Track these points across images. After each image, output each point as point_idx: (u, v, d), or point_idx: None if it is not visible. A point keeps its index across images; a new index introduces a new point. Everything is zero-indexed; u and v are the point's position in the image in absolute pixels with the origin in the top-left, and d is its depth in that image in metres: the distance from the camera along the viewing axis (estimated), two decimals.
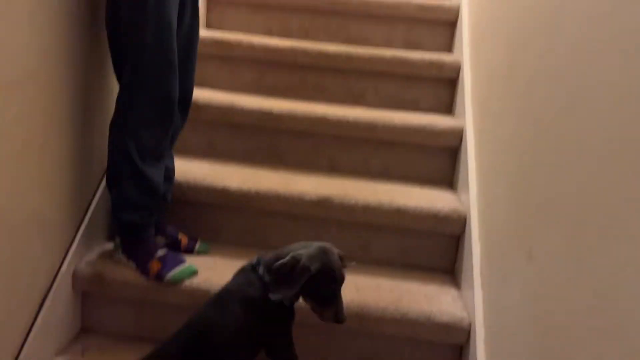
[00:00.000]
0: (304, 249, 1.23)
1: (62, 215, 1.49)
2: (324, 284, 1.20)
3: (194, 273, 1.53)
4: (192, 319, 1.25)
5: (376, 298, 1.50)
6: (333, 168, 1.97)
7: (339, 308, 1.23)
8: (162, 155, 1.57)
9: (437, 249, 1.73)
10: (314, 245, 1.24)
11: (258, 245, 1.76)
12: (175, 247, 1.66)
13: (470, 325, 1.44)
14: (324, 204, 1.69)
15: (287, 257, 1.21)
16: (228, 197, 1.71)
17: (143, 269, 1.52)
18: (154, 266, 1.52)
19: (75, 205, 1.56)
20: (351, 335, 1.52)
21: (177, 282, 1.50)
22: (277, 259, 1.22)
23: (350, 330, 1.50)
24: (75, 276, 1.52)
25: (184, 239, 1.70)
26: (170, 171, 1.67)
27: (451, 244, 1.72)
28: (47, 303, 1.42)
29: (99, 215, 1.65)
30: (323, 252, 1.22)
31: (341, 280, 1.24)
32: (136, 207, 1.52)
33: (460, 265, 1.66)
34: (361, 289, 1.54)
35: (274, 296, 1.19)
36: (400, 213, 1.67)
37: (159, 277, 1.50)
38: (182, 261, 1.57)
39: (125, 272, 1.52)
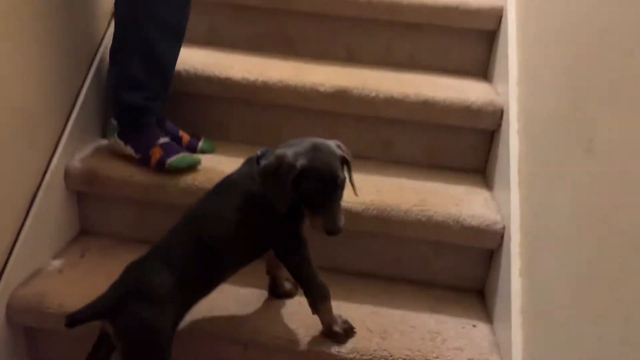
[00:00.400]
0: (296, 145, 1.06)
1: (46, 105, 1.32)
2: (311, 185, 1.02)
3: (197, 163, 1.40)
4: (192, 208, 1.13)
5: (399, 200, 1.35)
6: (351, 56, 1.74)
7: (329, 216, 1.03)
8: (182, 34, 1.41)
9: (468, 147, 1.55)
10: (308, 141, 1.07)
11: (267, 143, 1.57)
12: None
13: (504, 228, 1.29)
14: (340, 96, 1.49)
15: (272, 157, 1.05)
16: (233, 88, 1.52)
17: (143, 156, 1.39)
18: (156, 153, 1.38)
19: (61, 94, 1.38)
20: (371, 239, 1.39)
21: (179, 169, 1.37)
22: None
23: (371, 234, 1.36)
24: (67, 174, 1.39)
25: (185, 136, 1.53)
26: None
27: (484, 141, 1.53)
28: (37, 203, 1.30)
29: (90, 106, 1.48)
30: (313, 148, 1.05)
31: (331, 181, 1.02)
32: (141, 87, 1.38)
33: (493, 164, 1.48)
34: (382, 190, 1.39)
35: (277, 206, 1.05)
36: (427, 106, 1.47)
37: (161, 163, 1.37)
38: (181, 150, 1.43)
39: (121, 169, 1.38)
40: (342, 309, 1.26)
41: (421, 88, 1.51)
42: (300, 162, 1.02)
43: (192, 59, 1.57)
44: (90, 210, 1.47)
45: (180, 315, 1.07)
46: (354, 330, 1.18)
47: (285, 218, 1.07)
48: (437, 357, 1.16)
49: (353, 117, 1.54)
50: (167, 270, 1.04)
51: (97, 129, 1.53)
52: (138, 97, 1.37)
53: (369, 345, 1.17)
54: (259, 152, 1.12)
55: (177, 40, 1.42)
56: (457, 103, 1.46)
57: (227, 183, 1.13)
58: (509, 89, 1.42)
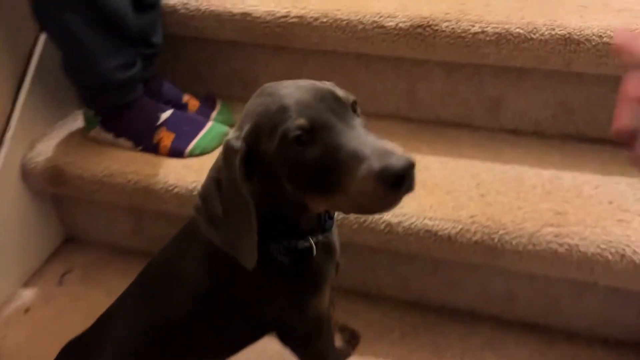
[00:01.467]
0: None
1: None
2: (288, 133, 0.49)
3: (225, 134, 0.97)
4: (151, 260, 0.70)
5: (518, 213, 0.82)
6: None
7: (365, 150, 0.47)
8: None
9: None
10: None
11: None
12: None
13: None
14: (420, 34, 0.93)
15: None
16: (254, 28, 1.00)
17: (147, 145, 0.97)
18: (164, 137, 0.96)
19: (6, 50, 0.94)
20: (471, 270, 0.89)
21: (206, 152, 0.97)
22: None
23: (471, 265, 0.87)
24: (24, 173, 0.98)
25: (192, 102, 1.06)
26: None
27: None
28: None
29: (50, 72, 1.02)
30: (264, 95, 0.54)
31: (326, 97, 0.50)
32: (99, 53, 0.89)
33: None
34: (489, 192, 0.86)
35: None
36: (567, 45, 0.88)
37: (177, 152, 0.96)
38: (201, 123, 1.00)
39: (94, 166, 0.95)
40: None
41: (557, 14, 0.91)
42: (245, 130, 0.53)
43: None
44: (73, 214, 1.08)
45: None
46: None
47: (283, 277, 0.60)
48: None
49: (441, 65, 0.99)
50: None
51: (65, 102, 1.08)
52: (104, 69, 0.90)
53: None
54: None
55: None
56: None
57: (191, 225, 0.66)
58: None
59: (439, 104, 1.04)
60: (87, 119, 1.00)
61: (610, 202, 0.84)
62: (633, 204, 0.84)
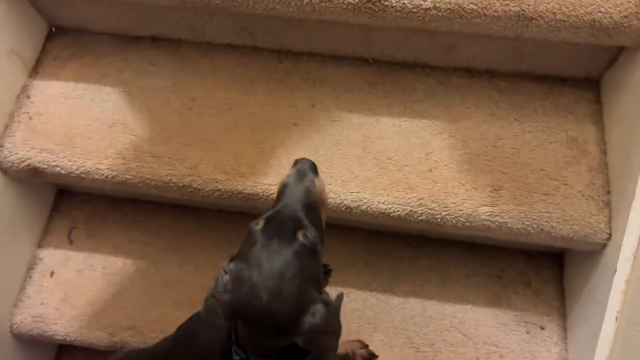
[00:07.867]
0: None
1: None
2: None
3: None
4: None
5: (459, 189, 0.93)
6: None
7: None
8: None
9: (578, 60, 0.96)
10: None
11: None
12: None
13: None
14: (370, 9, 0.87)
15: None
16: None
17: None
18: None
19: None
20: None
21: None
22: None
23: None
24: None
25: None
26: None
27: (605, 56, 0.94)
28: None
29: None
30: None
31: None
32: None
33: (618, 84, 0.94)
34: (437, 167, 0.95)
35: None
36: (519, 22, 0.85)
37: None
38: None
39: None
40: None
41: None
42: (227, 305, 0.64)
43: None
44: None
45: None
46: None
47: None
48: None
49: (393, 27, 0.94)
50: None
51: None
52: None
53: None
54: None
55: None
56: (576, 16, 0.83)
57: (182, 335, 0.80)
58: None
59: (394, 48, 1.02)
60: None
61: (542, 170, 0.94)
62: (560, 170, 0.94)
